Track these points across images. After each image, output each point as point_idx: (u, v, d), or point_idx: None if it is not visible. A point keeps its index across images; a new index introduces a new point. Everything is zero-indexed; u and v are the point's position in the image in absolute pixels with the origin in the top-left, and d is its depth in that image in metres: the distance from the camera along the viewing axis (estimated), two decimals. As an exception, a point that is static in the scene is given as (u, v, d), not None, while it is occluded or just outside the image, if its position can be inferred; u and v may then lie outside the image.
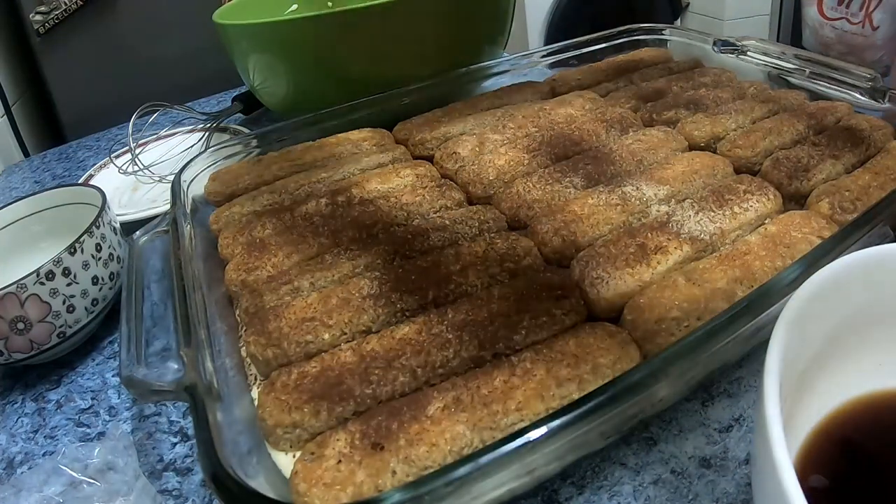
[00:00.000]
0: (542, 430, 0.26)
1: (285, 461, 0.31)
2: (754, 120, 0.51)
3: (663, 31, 0.68)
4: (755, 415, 0.26)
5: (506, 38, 0.72)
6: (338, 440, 0.29)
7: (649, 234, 0.38)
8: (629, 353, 0.33)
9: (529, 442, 0.26)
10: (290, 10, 0.85)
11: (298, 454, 0.30)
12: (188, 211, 0.47)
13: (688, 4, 1.92)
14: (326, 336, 0.35)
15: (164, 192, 0.68)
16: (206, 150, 0.56)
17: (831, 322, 0.30)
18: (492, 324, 0.34)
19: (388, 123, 0.58)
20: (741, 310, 0.31)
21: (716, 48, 0.62)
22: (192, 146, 0.76)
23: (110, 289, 0.48)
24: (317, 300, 0.37)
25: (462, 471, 0.25)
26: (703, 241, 0.38)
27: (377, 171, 0.51)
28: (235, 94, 0.88)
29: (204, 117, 0.81)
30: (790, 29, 1.72)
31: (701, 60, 0.63)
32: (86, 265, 0.46)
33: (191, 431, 0.41)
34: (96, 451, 0.37)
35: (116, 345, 0.50)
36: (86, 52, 0.98)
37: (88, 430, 0.42)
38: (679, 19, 1.91)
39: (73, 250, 0.45)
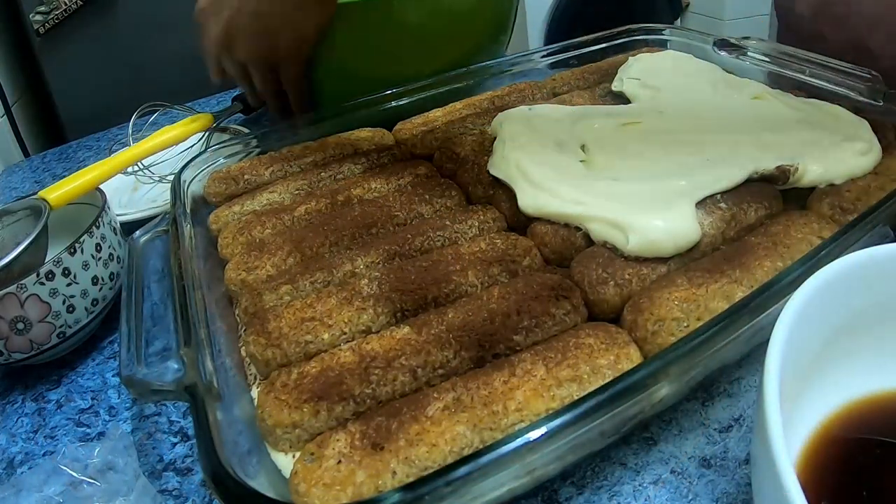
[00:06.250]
0: (542, 430, 0.26)
1: (285, 461, 0.31)
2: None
3: (663, 32, 0.68)
4: (755, 415, 0.26)
5: (508, 36, 0.72)
6: (338, 440, 0.29)
7: (649, 234, 0.38)
8: (629, 353, 0.33)
9: (529, 442, 0.26)
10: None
11: (298, 454, 0.30)
12: (188, 211, 0.47)
13: (688, 4, 1.92)
14: (326, 336, 0.35)
15: (164, 192, 0.68)
16: (206, 150, 0.56)
17: (831, 322, 0.30)
18: (492, 324, 0.34)
19: (388, 123, 0.58)
20: (741, 310, 0.31)
21: (716, 48, 0.62)
22: (192, 146, 0.76)
23: (110, 289, 0.48)
24: (317, 300, 0.37)
25: (462, 471, 0.25)
26: (703, 240, 0.38)
27: (377, 171, 0.51)
28: (235, 94, 0.88)
29: (204, 117, 0.81)
30: (790, 29, 1.72)
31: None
32: (86, 265, 0.46)
33: (191, 431, 0.41)
34: (96, 451, 0.37)
35: (116, 345, 0.50)
36: (86, 52, 0.98)
37: (88, 430, 0.42)
38: (679, 19, 1.91)
39: (73, 250, 0.45)
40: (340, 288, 0.37)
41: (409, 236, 0.42)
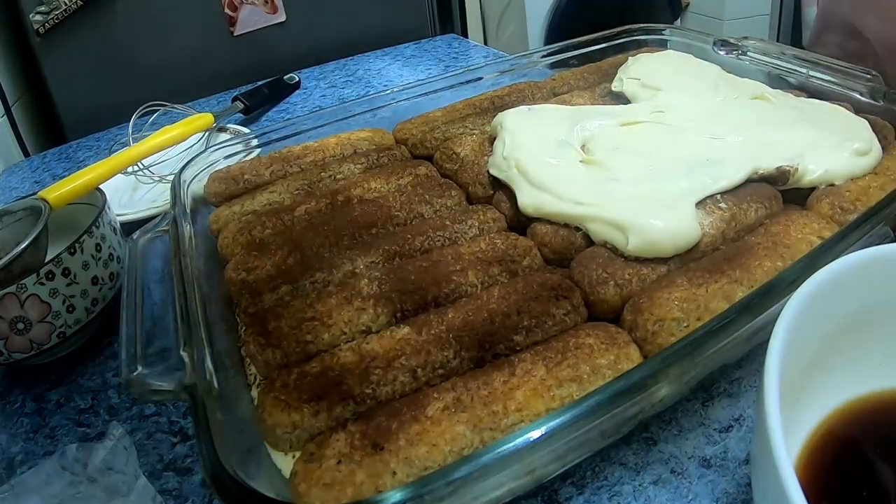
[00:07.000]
0: (542, 430, 0.26)
1: (285, 461, 0.31)
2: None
3: (663, 31, 0.68)
4: (755, 415, 0.26)
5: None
6: (338, 440, 0.29)
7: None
8: (629, 353, 0.33)
9: (529, 442, 0.26)
10: None
11: (298, 454, 0.30)
12: (188, 211, 0.47)
13: (688, 4, 1.92)
14: (326, 336, 0.35)
15: (164, 192, 0.68)
16: (206, 150, 0.56)
17: (831, 322, 0.30)
18: (492, 324, 0.34)
19: (388, 123, 0.58)
20: (741, 310, 0.31)
21: (716, 48, 0.62)
22: (192, 146, 0.76)
23: (110, 289, 0.48)
24: (317, 300, 0.37)
25: (462, 471, 0.25)
26: (703, 240, 0.38)
27: (377, 171, 0.51)
28: (235, 94, 0.88)
29: (204, 117, 0.81)
30: (790, 29, 1.72)
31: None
32: (86, 265, 0.46)
33: (191, 431, 0.41)
34: (96, 451, 0.37)
35: (116, 345, 0.50)
36: (86, 52, 0.98)
37: (88, 430, 0.42)
38: (679, 19, 1.91)
39: (73, 250, 0.45)
40: (340, 288, 0.37)
41: (409, 236, 0.42)
